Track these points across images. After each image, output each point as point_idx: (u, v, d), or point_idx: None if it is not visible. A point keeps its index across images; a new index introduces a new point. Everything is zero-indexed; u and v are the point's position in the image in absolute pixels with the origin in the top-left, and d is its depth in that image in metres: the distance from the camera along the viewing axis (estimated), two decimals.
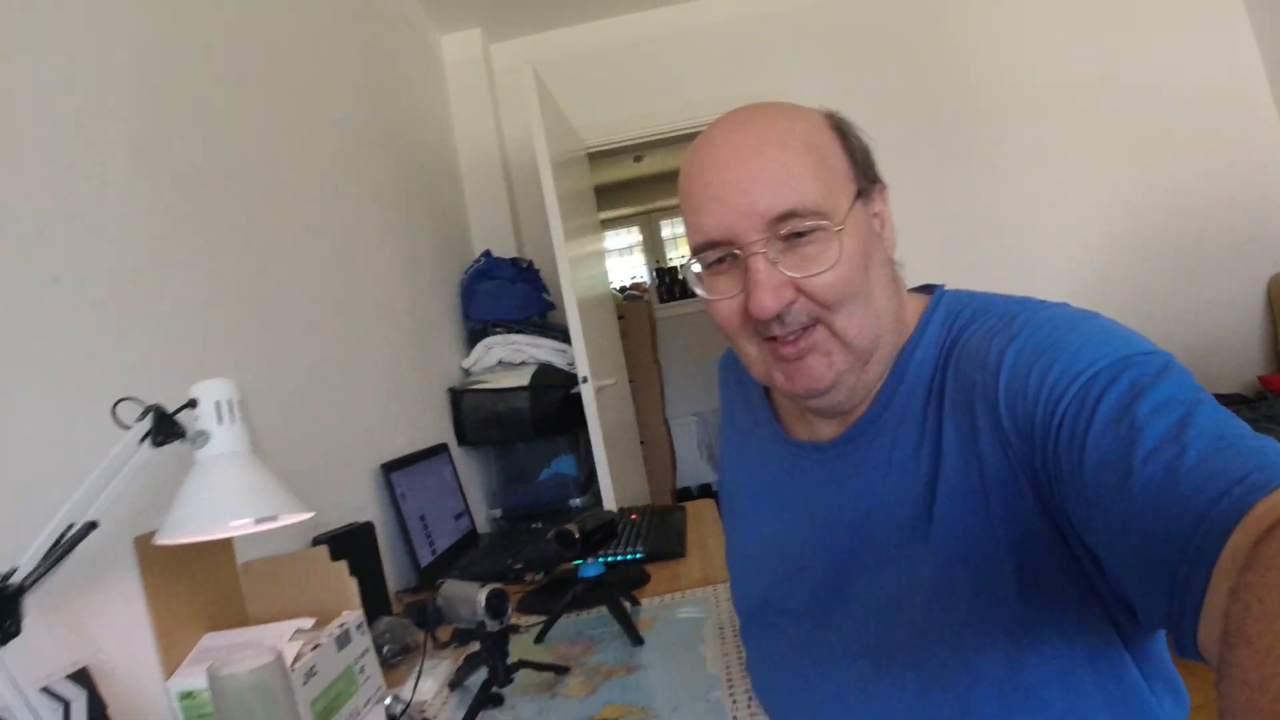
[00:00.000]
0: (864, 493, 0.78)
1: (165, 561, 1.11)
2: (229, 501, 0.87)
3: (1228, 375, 3.48)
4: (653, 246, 6.75)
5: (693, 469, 5.79)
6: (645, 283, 6.35)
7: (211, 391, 0.91)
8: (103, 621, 1.02)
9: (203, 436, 0.89)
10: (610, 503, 2.37)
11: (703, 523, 2.01)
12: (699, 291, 0.79)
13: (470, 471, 2.53)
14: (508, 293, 2.79)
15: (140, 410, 0.86)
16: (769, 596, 0.90)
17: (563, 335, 2.83)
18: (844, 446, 0.81)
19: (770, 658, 0.91)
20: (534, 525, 2.33)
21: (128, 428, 0.86)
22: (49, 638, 0.93)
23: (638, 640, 1.25)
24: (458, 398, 2.51)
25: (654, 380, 5.15)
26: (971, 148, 3.56)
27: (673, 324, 5.88)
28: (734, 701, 0.99)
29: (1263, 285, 3.53)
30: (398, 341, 2.22)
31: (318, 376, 1.71)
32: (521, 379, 2.51)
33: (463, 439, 2.51)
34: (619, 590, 1.39)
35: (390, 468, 1.87)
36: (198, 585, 1.17)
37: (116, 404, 0.88)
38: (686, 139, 3.71)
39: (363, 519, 1.62)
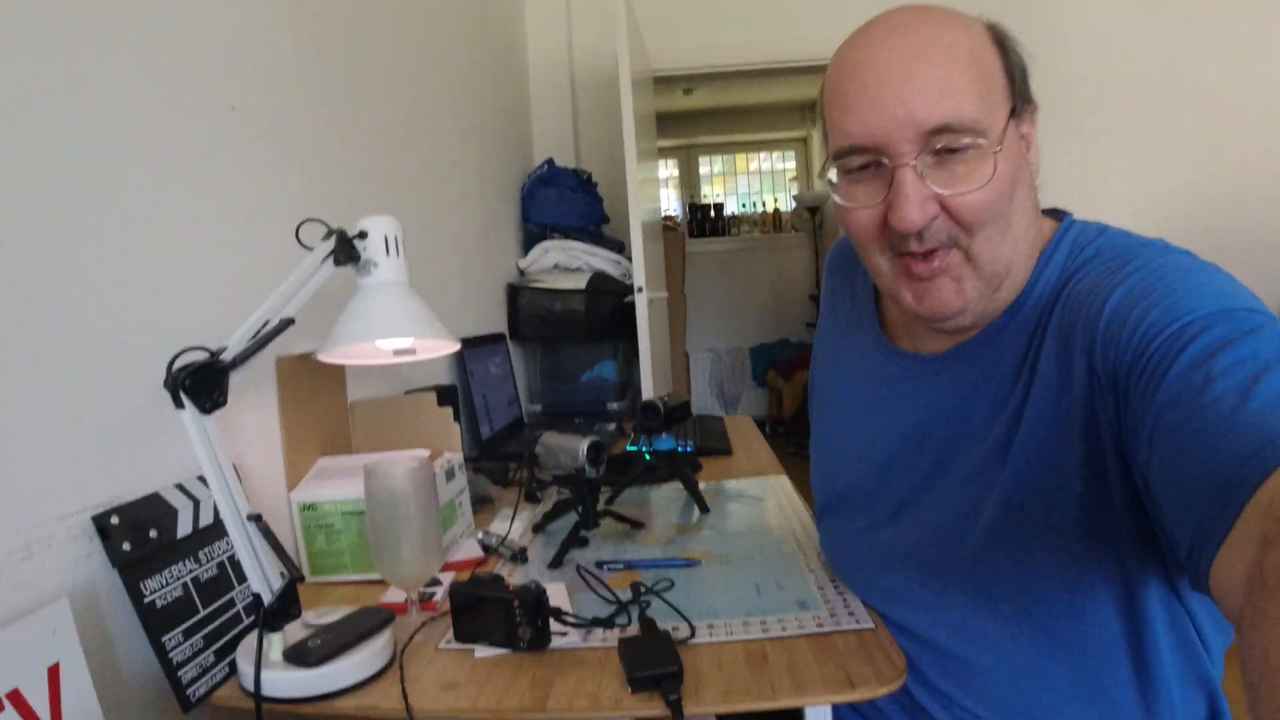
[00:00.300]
0: (959, 409, 0.81)
1: (296, 386, 1.22)
2: (395, 321, 0.97)
3: None
4: (689, 181, 6.77)
5: (703, 403, 5.93)
6: (677, 216, 6.40)
7: (380, 226, 1.00)
8: (244, 429, 1.14)
9: (371, 264, 0.99)
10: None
11: (741, 432, 2.13)
12: (835, 198, 0.77)
13: (517, 366, 2.65)
14: (569, 200, 2.87)
15: (323, 232, 0.96)
16: (850, 491, 0.97)
17: (617, 247, 2.92)
18: (948, 362, 0.83)
19: (842, 544, 1.00)
20: (576, 420, 2.45)
21: (310, 248, 0.96)
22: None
23: (705, 508, 1.37)
24: (515, 294, 2.61)
25: (680, 311, 5.24)
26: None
27: (700, 259, 5.95)
28: (804, 554, 1.11)
29: None
30: (471, 232, 2.31)
31: (416, 246, 1.81)
32: (578, 283, 2.61)
33: (515, 333, 2.62)
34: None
35: (465, 344, 1.98)
36: (318, 412, 1.29)
37: (300, 225, 0.98)
38: (751, 75, 3.76)
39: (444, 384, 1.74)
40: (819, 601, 0.95)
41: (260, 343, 0.84)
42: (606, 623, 0.91)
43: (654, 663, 0.79)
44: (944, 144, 0.69)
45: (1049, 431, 0.71)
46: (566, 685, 0.81)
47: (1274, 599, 0.36)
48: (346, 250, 0.96)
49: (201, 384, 0.77)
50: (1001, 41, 0.75)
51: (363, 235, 0.99)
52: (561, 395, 2.77)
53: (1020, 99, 0.75)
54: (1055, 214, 0.84)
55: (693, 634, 0.88)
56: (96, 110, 0.88)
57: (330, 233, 0.95)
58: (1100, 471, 0.67)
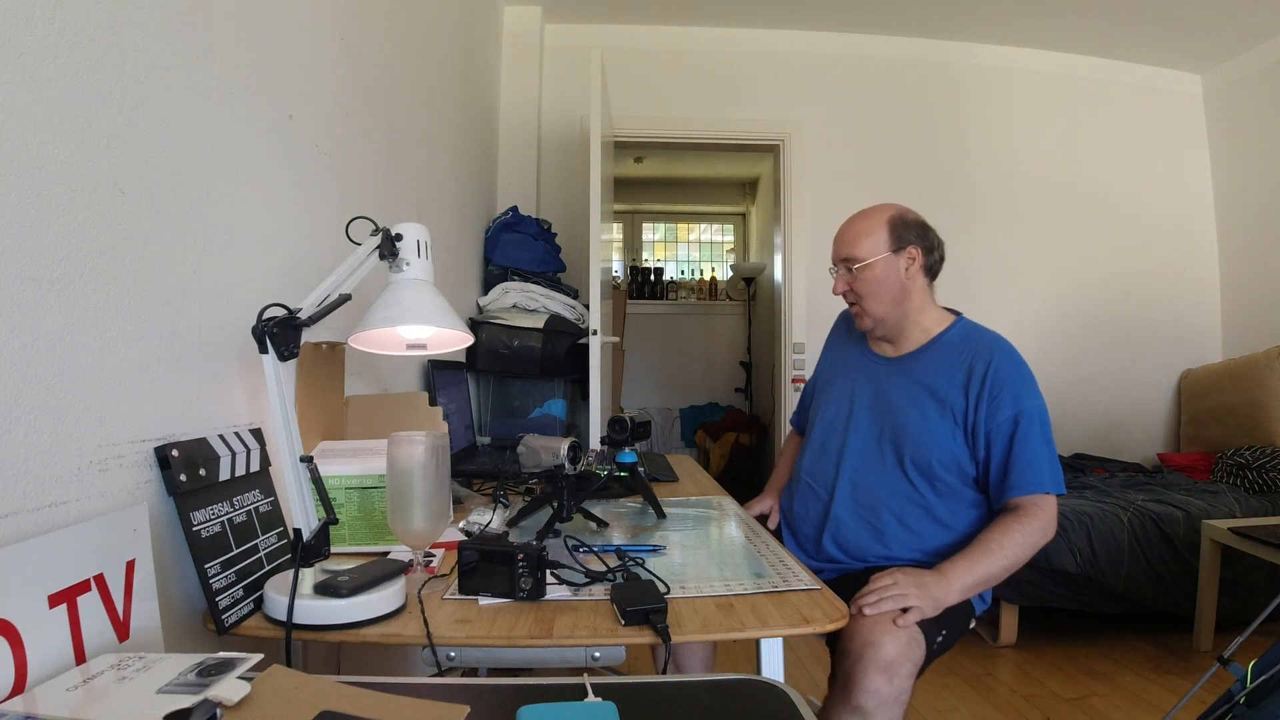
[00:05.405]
0: (901, 389, 1.60)
1: (308, 373, 1.35)
2: (423, 311, 1.12)
3: (1132, 447, 3.96)
4: (632, 245, 7.03)
5: None
6: (619, 277, 6.63)
7: (413, 231, 1.15)
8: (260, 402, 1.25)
9: (404, 263, 1.14)
10: (597, 445, 2.63)
11: (684, 466, 2.30)
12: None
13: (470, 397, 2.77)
14: (531, 246, 3.04)
15: (370, 229, 1.11)
16: (821, 428, 1.73)
17: (572, 293, 3.09)
18: (896, 364, 1.65)
19: (807, 466, 1.73)
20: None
21: (358, 244, 1.10)
22: (247, 396, 1.17)
23: (661, 514, 1.52)
24: (475, 327, 2.75)
25: (619, 365, 5.42)
26: (957, 206, 3.99)
27: (638, 320, 6.17)
28: (754, 546, 1.28)
29: (1175, 375, 4.02)
30: (443, 264, 2.46)
31: None
32: (536, 322, 2.76)
33: (471, 366, 2.74)
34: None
35: (435, 365, 2.11)
36: (321, 400, 1.41)
37: (350, 221, 1.13)
38: (700, 148, 4.07)
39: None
40: (772, 573, 1.11)
41: (326, 309, 0.98)
42: (600, 577, 1.05)
43: (643, 600, 0.94)
44: (848, 265, 1.62)
45: (944, 421, 1.53)
46: (566, 623, 0.95)
47: (1002, 529, 1.42)
48: (389, 246, 1.11)
49: (281, 335, 0.91)
50: (892, 222, 1.60)
51: (399, 237, 1.14)
52: (509, 429, 2.89)
53: (898, 245, 1.58)
54: (954, 310, 1.68)
55: (668, 591, 1.03)
56: (194, 100, 1.02)
57: (377, 230, 1.10)
58: (958, 431, 1.52)
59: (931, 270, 1.62)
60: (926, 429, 1.53)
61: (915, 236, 1.59)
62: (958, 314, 1.66)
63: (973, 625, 1.58)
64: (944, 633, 1.39)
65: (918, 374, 1.58)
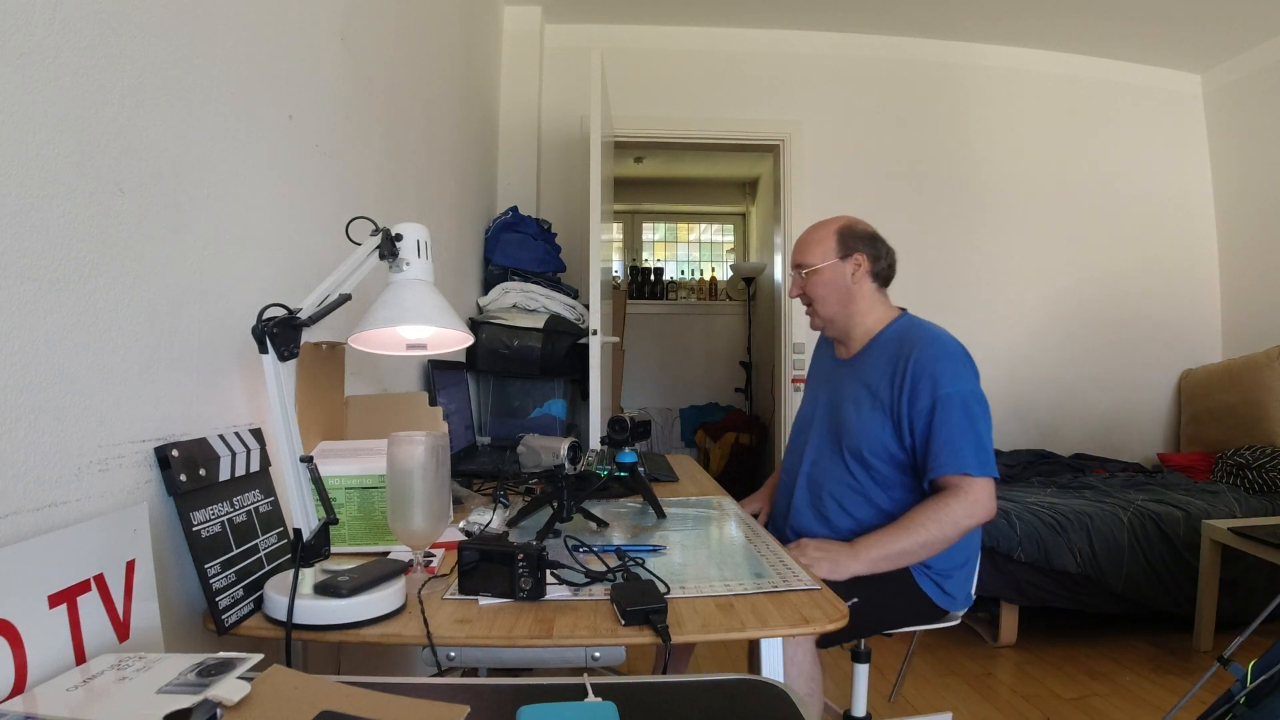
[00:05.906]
0: (848, 387, 1.75)
1: (308, 373, 1.35)
2: (423, 311, 1.11)
3: (1132, 447, 3.96)
4: (632, 245, 7.03)
5: None
6: (619, 277, 6.63)
7: (413, 231, 1.15)
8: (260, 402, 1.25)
9: (404, 263, 1.14)
10: (597, 445, 2.63)
11: (685, 466, 2.30)
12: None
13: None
14: (531, 246, 3.04)
15: (370, 229, 1.11)
16: (795, 428, 1.95)
17: (572, 293, 3.09)
18: (848, 365, 1.80)
19: (783, 462, 1.94)
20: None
21: (358, 244, 1.10)
22: (247, 396, 1.17)
23: (661, 514, 1.52)
24: (475, 327, 2.75)
25: (619, 365, 5.42)
26: (957, 206, 4.00)
27: (638, 320, 6.17)
28: (754, 546, 1.28)
29: (1175, 375, 4.02)
30: (443, 264, 2.46)
31: None
32: (536, 322, 2.76)
33: (471, 366, 2.74)
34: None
35: (435, 365, 2.11)
36: (321, 401, 1.41)
37: (350, 221, 1.13)
38: (699, 148, 4.07)
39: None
40: (771, 573, 1.11)
41: (326, 310, 0.98)
42: (600, 577, 1.05)
43: (643, 600, 0.94)
44: (800, 269, 1.78)
45: (878, 412, 1.65)
46: (566, 623, 0.95)
47: (920, 508, 1.55)
48: (389, 246, 1.11)
49: (281, 335, 0.91)
50: (840, 232, 1.75)
51: (399, 237, 1.14)
52: (509, 429, 2.88)
53: (845, 253, 1.74)
54: (901, 309, 1.80)
55: (668, 590, 1.03)
56: (194, 100, 1.02)
57: (377, 230, 1.10)
58: (886, 421, 1.64)
59: (880, 276, 1.76)
60: (860, 421, 1.66)
61: (862, 245, 1.73)
62: (903, 311, 1.78)
63: (957, 622, 1.73)
64: (854, 600, 1.47)
65: (860, 372, 1.72)
